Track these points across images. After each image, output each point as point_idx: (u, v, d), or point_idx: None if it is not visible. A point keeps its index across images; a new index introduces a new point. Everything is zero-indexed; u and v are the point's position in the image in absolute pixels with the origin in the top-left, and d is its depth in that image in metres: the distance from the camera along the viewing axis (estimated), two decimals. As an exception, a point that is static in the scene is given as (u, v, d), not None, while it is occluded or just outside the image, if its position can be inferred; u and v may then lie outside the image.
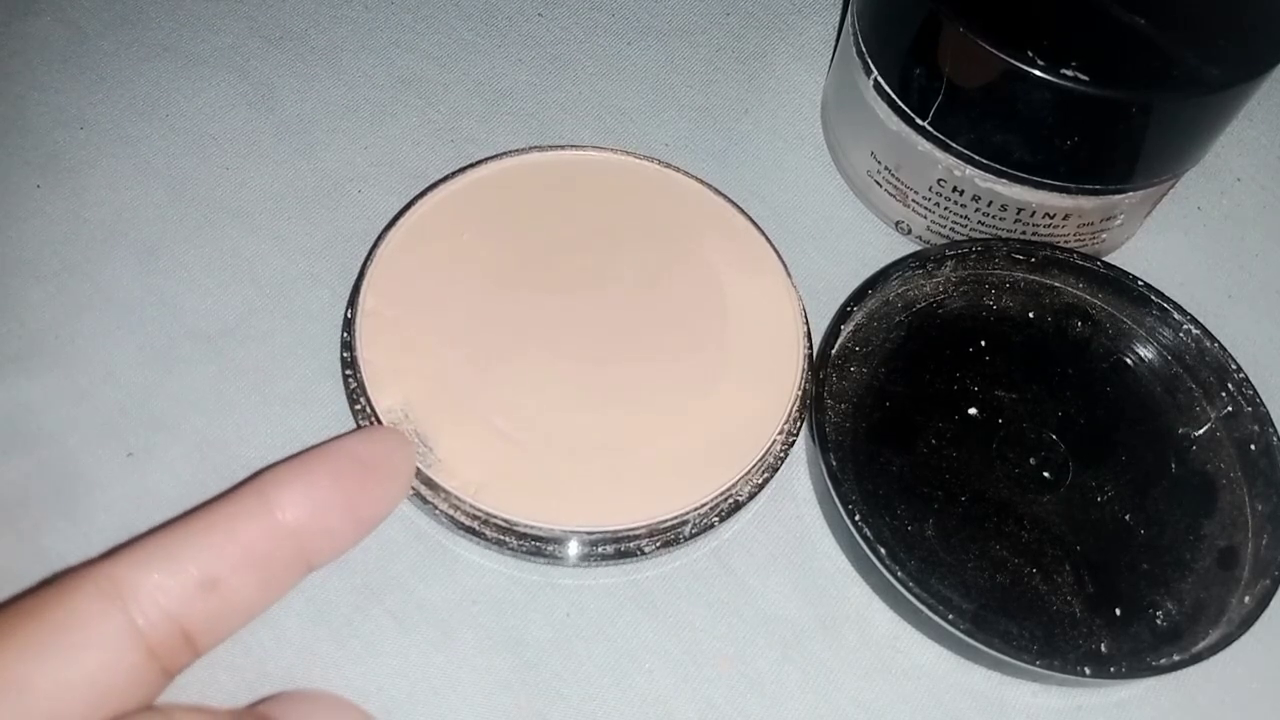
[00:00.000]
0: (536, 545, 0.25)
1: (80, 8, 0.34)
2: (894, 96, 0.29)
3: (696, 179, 0.30)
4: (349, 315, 0.27)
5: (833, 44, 0.37)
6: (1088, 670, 0.23)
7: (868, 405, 0.27)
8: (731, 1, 0.37)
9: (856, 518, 0.24)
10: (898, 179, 0.31)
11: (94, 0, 0.34)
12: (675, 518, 0.25)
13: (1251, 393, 0.27)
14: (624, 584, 0.26)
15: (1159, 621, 0.25)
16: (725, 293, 0.28)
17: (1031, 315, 0.30)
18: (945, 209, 0.30)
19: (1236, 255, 0.34)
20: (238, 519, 0.20)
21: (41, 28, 0.33)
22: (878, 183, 0.32)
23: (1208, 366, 0.28)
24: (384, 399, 0.25)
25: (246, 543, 0.19)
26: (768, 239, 0.29)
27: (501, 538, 0.24)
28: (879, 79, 0.29)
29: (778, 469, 0.26)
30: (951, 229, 0.31)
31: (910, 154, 0.29)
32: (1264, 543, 0.26)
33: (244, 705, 0.22)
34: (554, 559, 0.25)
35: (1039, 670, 0.23)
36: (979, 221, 0.30)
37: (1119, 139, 0.27)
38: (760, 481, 0.26)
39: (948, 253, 0.29)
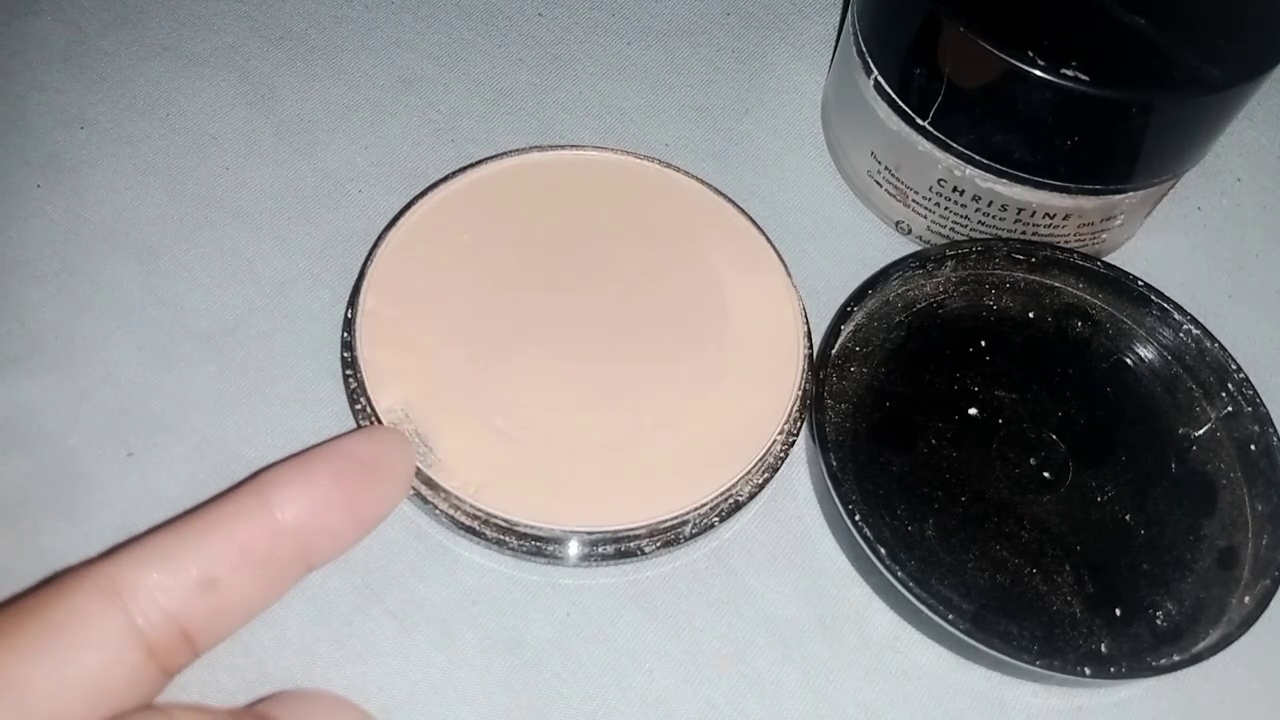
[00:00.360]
0: (536, 545, 0.25)
1: (80, 7, 0.34)
2: (894, 96, 0.29)
3: (697, 179, 0.30)
4: (349, 315, 0.27)
5: (833, 44, 0.37)
6: (1088, 670, 0.23)
7: (868, 405, 0.27)
8: (731, 1, 0.37)
9: (856, 518, 0.24)
10: (898, 179, 0.31)
11: (94, 0, 0.34)
12: (675, 518, 0.25)
13: (1251, 393, 0.27)
14: (624, 584, 0.26)
15: (1159, 621, 0.25)
16: (725, 293, 0.28)
17: (1032, 315, 0.30)
18: (945, 209, 0.30)
19: (1236, 255, 0.34)
20: (237, 519, 0.20)
21: (42, 27, 0.33)
22: (878, 183, 0.32)
23: (1208, 367, 0.28)
24: (384, 399, 0.25)
25: (245, 542, 0.19)
26: (768, 239, 0.29)
27: (501, 538, 0.24)
28: (879, 79, 0.29)
29: (778, 469, 0.26)
30: (952, 229, 0.31)
31: (910, 154, 0.29)
32: (1264, 543, 0.26)
33: (244, 705, 0.22)
34: (554, 559, 0.25)
35: (1039, 670, 0.23)
36: (979, 221, 0.30)
37: (1119, 139, 0.27)
38: (760, 481, 0.26)
39: (948, 253, 0.29)
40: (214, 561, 0.19)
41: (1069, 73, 0.25)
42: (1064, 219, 0.29)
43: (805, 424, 0.27)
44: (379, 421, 0.25)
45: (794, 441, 0.27)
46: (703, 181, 0.30)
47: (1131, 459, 0.27)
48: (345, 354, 0.27)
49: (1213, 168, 0.35)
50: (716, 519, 0.25)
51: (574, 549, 0.25)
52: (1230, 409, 0.28)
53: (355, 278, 0.28)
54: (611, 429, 0.26)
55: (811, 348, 0.28)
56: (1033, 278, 0.30)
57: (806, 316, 0.28)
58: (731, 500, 0.26)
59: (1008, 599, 0.25)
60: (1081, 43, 0.26)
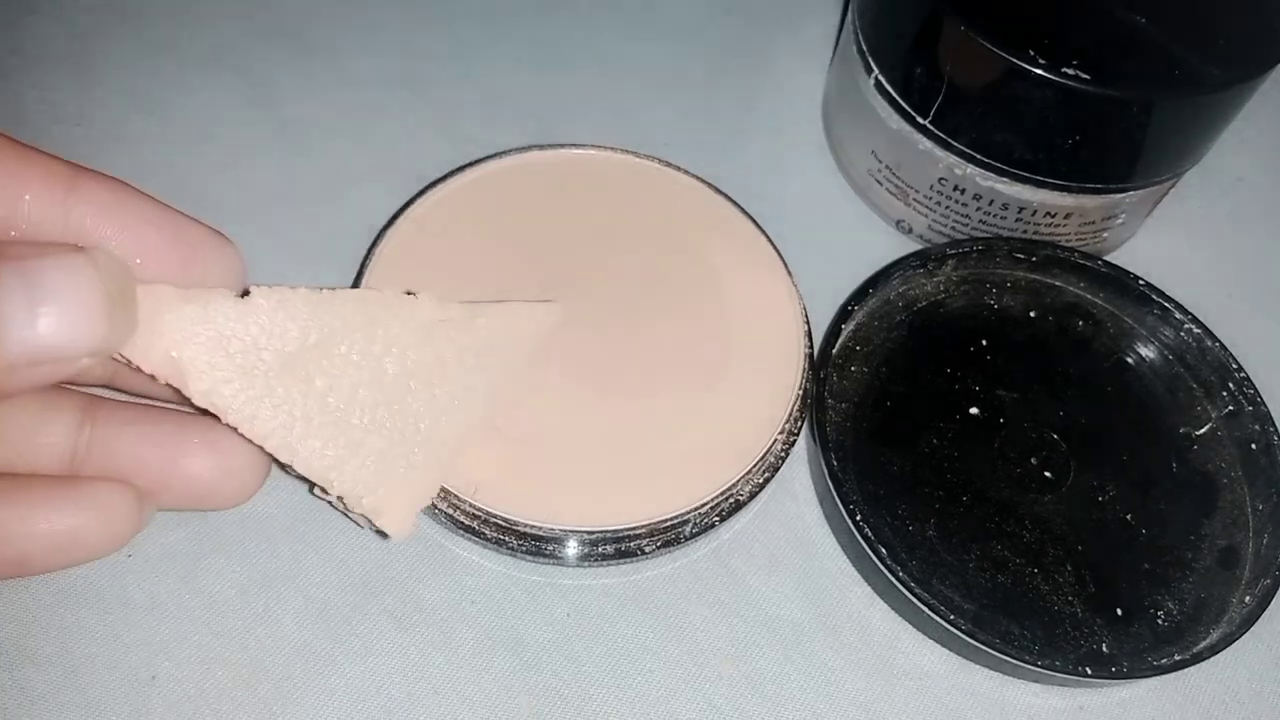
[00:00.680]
0: (536, 545, 0.24)
1: (78, 5, 0.34)
2: (895, 95, 0.29)
3: (697, 178, 0.30)
4: (348, 314, 0.27)
5: (833, 43, 0.37)
6: (1089, 670, 0.23)
7: (869, 405, 0.27)
8: (732, 1, 0.37)
9: (857, 518, 0.24)
10: (899, 178, 0.31)
11: (92, -1, 0.34)
12: (676, 517, 0.25)
13: (1252, 392, 0.27)
14: (624, 584, 0.26)
15: (1160, 621, 0.25)
16: (725, 292, 0.28)
17: (1033, 314, 0.30)
18: (946, 208, 0.30)
19: (1237, 255, 0.34)
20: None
21: (40, 25, 0.33)
22: (878, 181, 0.32)
23: (1209, 366, 0.28)
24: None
25: None
26: (768, 238, 0.29)
27: (501, 537, 0.24)
28: (880, 78, 0.29)
29: (778, 469, 0.26)
30: (953, 228, 0.31)
31: (911, 153, 0.29)
32: (1265, 542, 0.26)
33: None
34: (554, 559, 0.25)
35: (1040, 670, 0.23)
36: (980, 220, 0.30)
37: (1120, 138, 0.27)
38: (761, 481, 0.26)
39: (949, 252, 0.29)
40: None
41: (1070, 72, 0.25)
42: (1065, 218, 0.29)
43: (806, 424, 0.27)
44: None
45: (794, 441, 0.27)
46: (703, 181, 0.30)
47: (1132, 458, 0.27)
48: (344, 353, 0.27)
49: (1213, 168, 0.35)
50: (717, 519, 0.25)
51: (574, 549, 0.25)
52: (1231, 408, 0.28)
53: (355, 277, 0.28)
54: (611, 429, 0.26)
55: (812, 347, 0.28)
56: (1034, 277, 0.30)
57: (807, 316, 0.28)
58: (732, 500, 0.25)
59: (1009, 599, 0.25)
60: (1082, 42, 0.26)
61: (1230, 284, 0.33)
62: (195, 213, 0.30)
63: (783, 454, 0.26)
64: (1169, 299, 0.29)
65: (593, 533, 0.24)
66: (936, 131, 0.28)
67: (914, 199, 0.31)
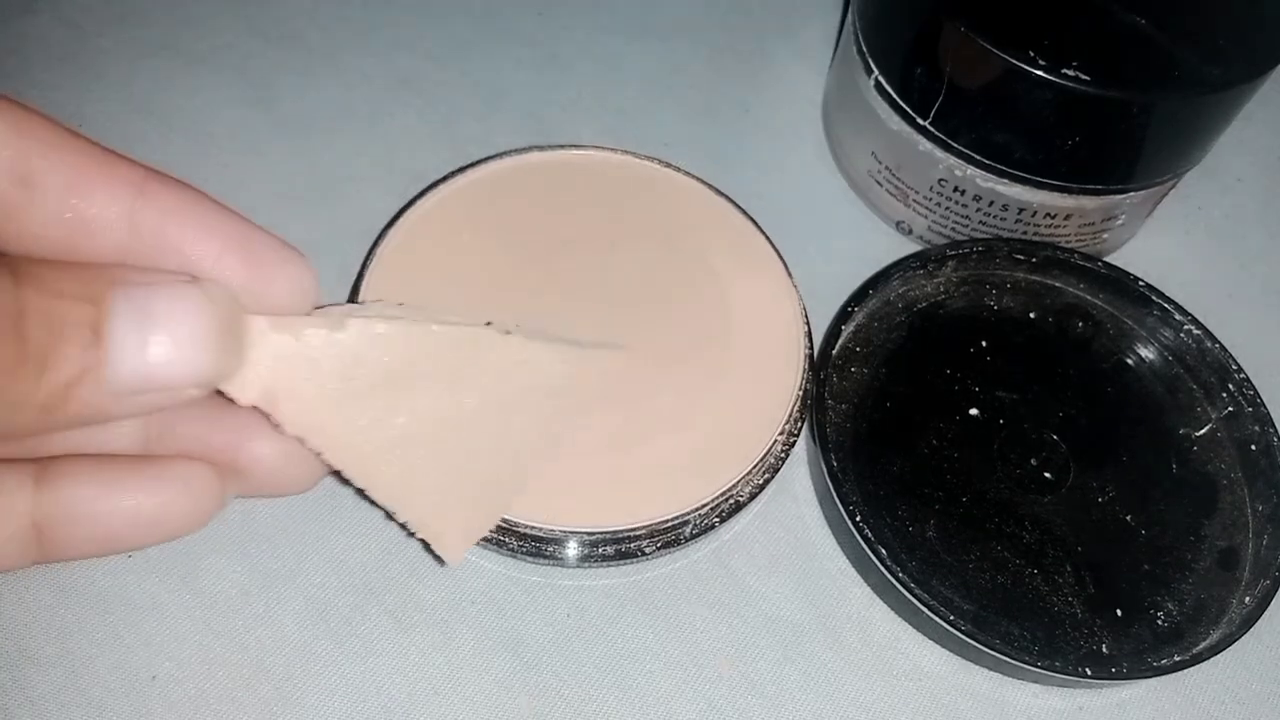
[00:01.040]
0: (536, 546, 0.24)
1: (78, 5, 0.34)
2: (895, 96, 0.29)
3: (697, 178, 0.30)
4: (348, 315, 0.27)
5: (833, 44, 0.37)
6: (1089, 671, 0.23)
7: (868, 406, 0.27)
8: (731, 2, 0.37)
9: (857, 518, 0.24)
10: (898, 179, 0.31)
11: (92, -1, 0.34)
12: (676, 518, 0.25)
13: (1252, 393, 0.27)
14: (624, 585, 0.26)
15: (1160, 622, 0.25)
16: (725, 293, 0.28)
17: (1033, 315, 0.30)
18: (946, 209, 0.30)
19: (1237, 255, 0.34)
20: None
21: (39, 25, 0.33)
22: (878, 182, 0.32)
23: (1208, 367, 0.28)
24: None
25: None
26: (768, 239, 0.29)
27: (501, 538, 0.24)
28: (880, 78, 0.29)
29: (778, 469, 0.26)
30: (952, 229, 0.31)
31: (911, 154, 0.29)
32: (1264, 543, 0.26)
33: None
34: (554, 559, 0.25)
35: (1040, 671, 0.23)
36: (980, 221, 0.30)
37: (1119, 139, 0.27)
38: (761, 482, 0.26)
39: (949, 253, 0.29)
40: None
41: (1070, 73, 0.25)
42: (1065, 219, 0.29)
43: (806, 424, 0.27)
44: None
45: (794, 442, 0.27)
46: (703, 181, 0.30)
47: (1132, 459, 0.27)
48: (344, 354, 0.27)
49: (1213, 168, 0.35)
50: (717, 520, 0.25)
51: (574, 550, 0.25)
52: (1231, 409, 0.28)
53: (355, 277, 0.28)
54: (612, 429, 0.26)
55: (812, 348, 0.28)
56: (1034, 278, 0.30)
57: (807, 316, 0.28)
58: (732, 501, 0.25)
59: (1009, 600, 0.25)
60: (1082, 43, 0.26)
61: (1230, 284, 0.33)
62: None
63: (783, 455, 0.26)
64: (1169, 300, 0.29)
65: (593, 533, 0.24)
66: (936, 132, 0.28)
67: (914, 200, 0.31)
